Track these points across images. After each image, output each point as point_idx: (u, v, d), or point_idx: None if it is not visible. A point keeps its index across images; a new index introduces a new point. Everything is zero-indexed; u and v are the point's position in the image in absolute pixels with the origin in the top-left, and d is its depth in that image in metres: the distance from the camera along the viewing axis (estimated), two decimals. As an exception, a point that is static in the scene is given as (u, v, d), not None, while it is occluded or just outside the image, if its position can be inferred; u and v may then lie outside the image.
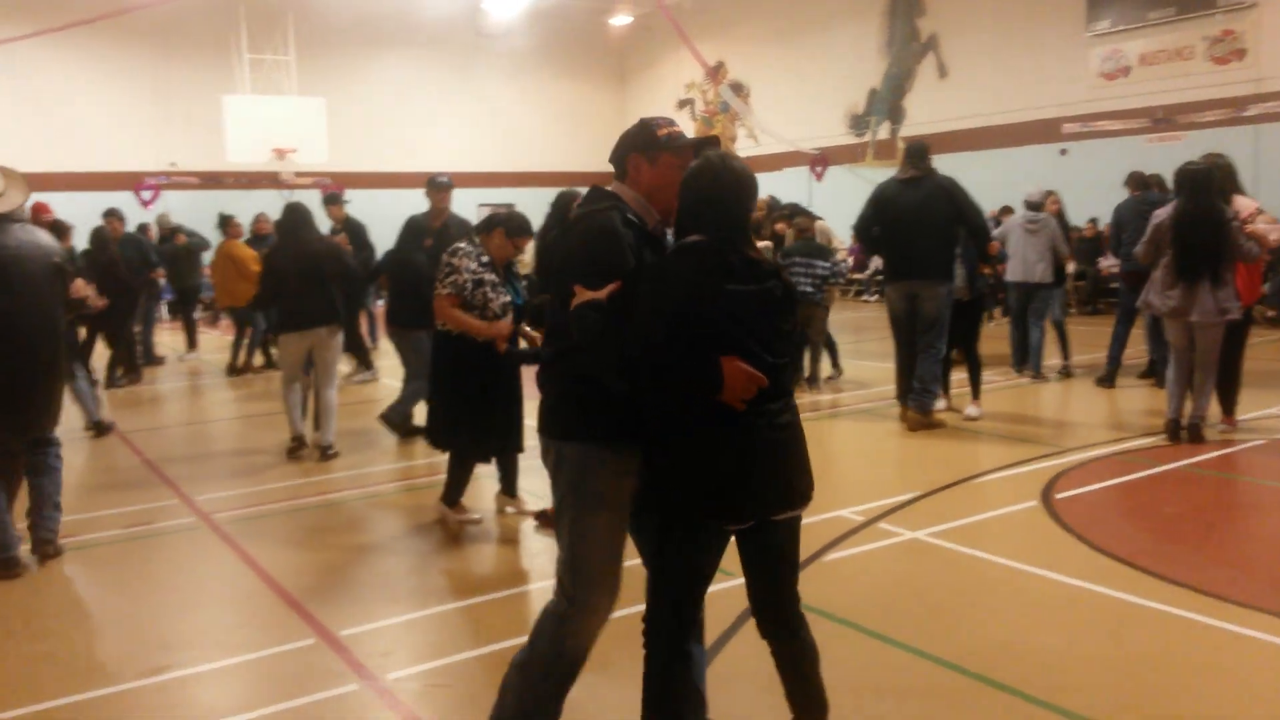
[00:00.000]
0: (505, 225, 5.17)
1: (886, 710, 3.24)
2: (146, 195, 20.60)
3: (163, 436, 8.09)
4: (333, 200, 10.56)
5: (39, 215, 8.31)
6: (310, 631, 3.96)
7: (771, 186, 20.60)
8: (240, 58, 19.56)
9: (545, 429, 2.75)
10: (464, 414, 5.11)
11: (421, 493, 6.05)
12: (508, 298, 5.12)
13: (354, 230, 10.03)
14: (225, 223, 11.50)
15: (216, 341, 14.49)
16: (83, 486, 6.57)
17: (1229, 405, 7.02)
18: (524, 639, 3.75)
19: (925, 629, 3.83)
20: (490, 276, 5.06)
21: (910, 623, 3.91)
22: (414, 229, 7.23)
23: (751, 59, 23.00)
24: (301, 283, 6.65)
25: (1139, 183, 9.18)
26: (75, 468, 7.07)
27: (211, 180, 21.21)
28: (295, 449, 6.99)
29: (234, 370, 11.31)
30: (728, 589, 3.37)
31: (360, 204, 19.35)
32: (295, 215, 6.92)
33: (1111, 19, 16.00)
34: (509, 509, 5.54)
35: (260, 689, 3.53)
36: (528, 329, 5.33)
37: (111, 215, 11.13)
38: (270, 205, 20.64)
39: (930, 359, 7.36)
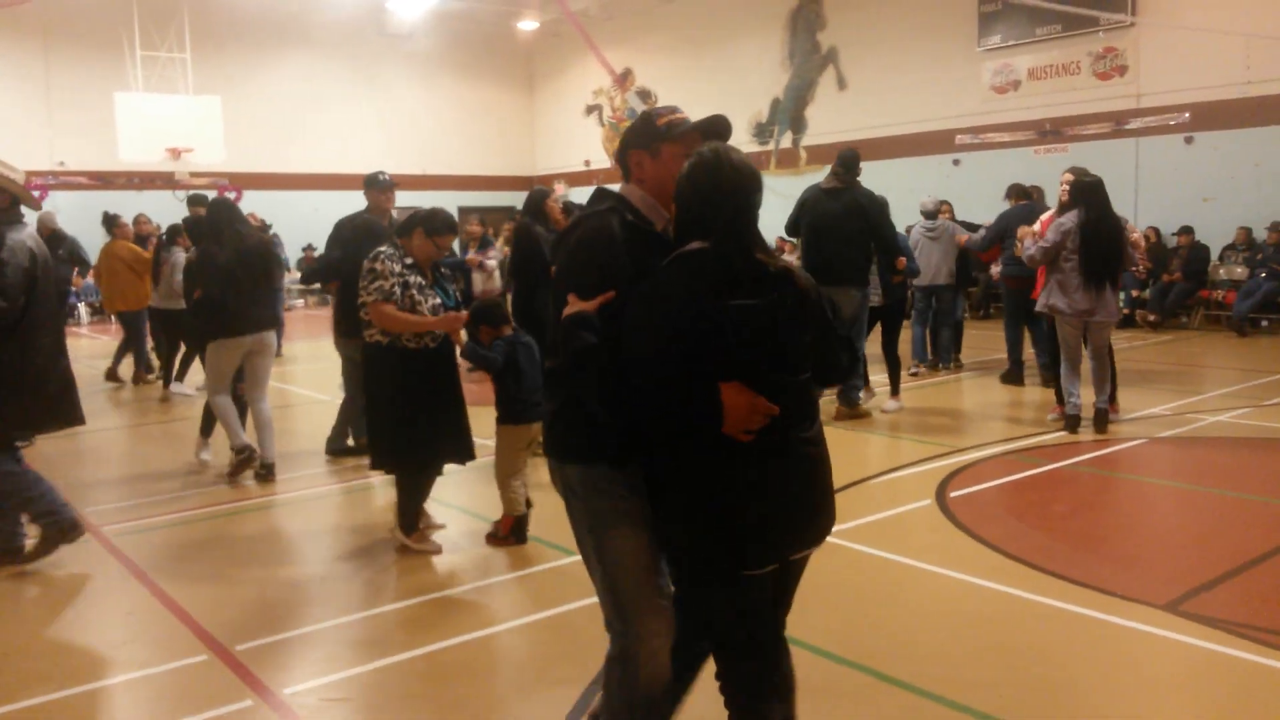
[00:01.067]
0: (425, 224, 4.89)
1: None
2: (35, 195, 19.69)
3: (50, 447, 7.73)
4: (198, 202, 9.92)
5: None
6: (204, 648, 3.84)
7: (678, 193, 20.78)
8: (133, 54, 18.86)
9: (550, 449, 2.55)
10: (409, 430, 4.78)
11: (314, 504, 5.93)
12: (437, 299, 4.89)
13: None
14: (111, 222, 10.87)
15: (107, 346, 13.93)
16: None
17: (1113, 395, 7.50)
18: (425, 649, 3.77)
19: (824, 627, 3.91)
20: (416, 279, 4.81)
21: (809, 621, 3.97)
22: (370, 231, 6.47)
23: (658, 67, 23.18)
24: (247, 283, 6.19)
25: (1020, 193, 9.65)
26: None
27: (102, 180, 20.42)
28: (247, 459, 6.36)
29: (112, 376, 10.90)
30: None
31: (260, 205, 18.92)
32: (227, 209, 6.47)
33: (1002, 34, 16.61)
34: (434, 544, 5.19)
35: (151, 708, 3.41)
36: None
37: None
38: (165, 206, 20.04)
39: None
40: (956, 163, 17.40)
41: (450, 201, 20.64)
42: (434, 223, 4.89)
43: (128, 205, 20.23)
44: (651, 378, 2.21)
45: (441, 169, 24.79)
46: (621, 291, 2.31)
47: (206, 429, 6.93)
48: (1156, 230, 14.44)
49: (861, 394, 8.30)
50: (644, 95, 23.33)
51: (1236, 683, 3.44)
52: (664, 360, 2.21)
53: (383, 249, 4.87)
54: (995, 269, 9.85)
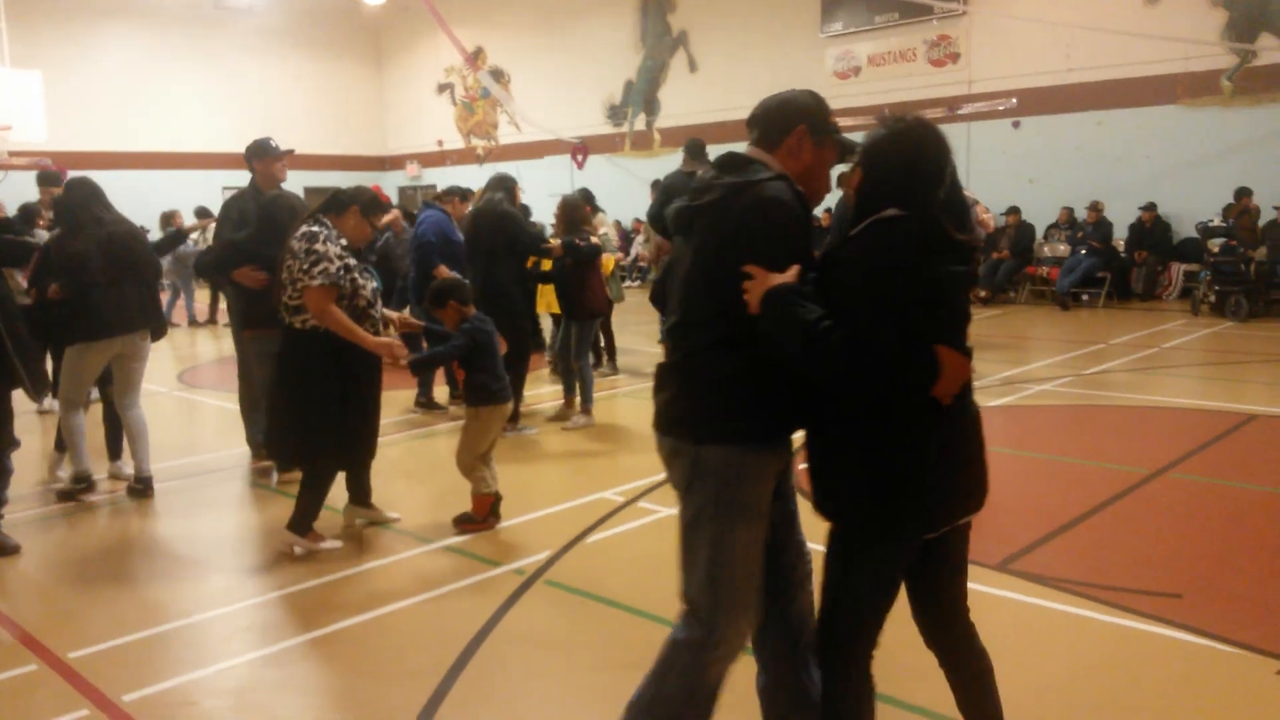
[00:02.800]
0: (359, 202, 4.58)
1: (637, 682, 3.35)
2: None
3: None
4: (50, 181, 9.17)
5: None
6: (33, 657, 3.64)
7: (534, 174, 20.70)
8: (-63, 24, 17.41)
9: (678, 430, 2.41)
10: (323, 422, 4.47)
11: (153, 504, 5.67)
12: (375, 284, 4.65)
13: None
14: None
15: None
16: None
17: None
18: (269, 649, 3.68)
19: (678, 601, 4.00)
20: (353, 261, 4.51)
21: (666, 596, 4.06)
22: (282, 211, 5.75)
23: (511, 46, 22.92)
24: (112, 274, 5.37)
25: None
26: None
27: (-95, 160, 18.79)
28: (84, 489, 5.67)
29: None
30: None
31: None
32: (88, 189, 5.53)
33: (843, 21, 17.16)
34: (360, 520, 5.03)
35: (-26, 724, 3.22)
36: (394, 317, 4.93)
37: None
38: (-22, 189, 18.59)
39: None
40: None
41: (299, 182, 19.89)
42: (368, 201, 4.63)
43: (-64, 187, 18.75)
44: (872, 342, 2.13)
45: (289, 148, 23.84)
46: (806, 263, 2.26)
47: (62, 442, 6.00)
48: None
49: None
50: (497, 75, 23.04)
51: (1064, 634, 3.70)
52: (885, 324, 2.14)
53: (314, 228, 4.47)
54: None
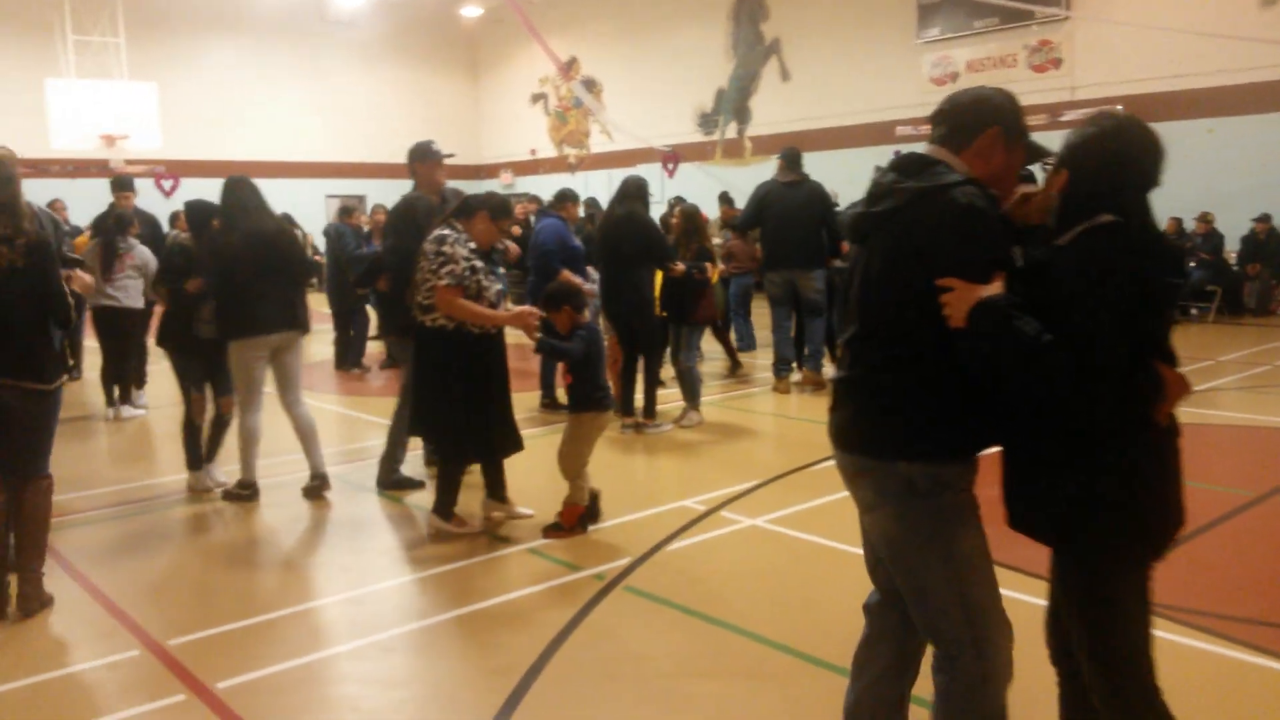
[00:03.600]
0: (489, 208, 4.85)
1: (710, 691, 3.37)
2: (-42, 184, 19.15)
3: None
4: (123, 186, 9.01)
5: None
6: (136, 642, 3.82)
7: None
8: (64, 39, 18.39)
9: (865, 448, 2.29)
10: (458, 415, 4.74)
11: (254, 503, 5.88)
12: (500, 285, 4.86)
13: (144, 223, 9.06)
14: None
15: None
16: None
17: None
18: (357, 642, 3.79)
19: (758, 612, 3.99)
20: (480, 263, 4.75)
21: (744, 606, 4.07)
22: (422, 213, 5.60)
23: (604, 56, 23.15)
24: (263, 271, 5.41)
25: None
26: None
27: (35, 168, 19.86)
28: (249, 497, 5.65)
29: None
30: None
31: (202, 194, 18.49)
32: (246, 188, 5.61)
33: (940, 27, 16.87)
34: (497, 513, 5.14)
35: (83, 704, 3.38)
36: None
37: None
38: (100, 194, 19.56)
39: (816, 330, 8.68)
40: (897, 154, 17.49)
41: (394, 190, 20.45)
42: (497, 207, 4.88)
43: (61, 193, 19.77)
44: (1099, 359, 2.01)
45: (386, 157, 24.46)
46: (1009, 272, 2.14)
47: (195, 459, 5.94)
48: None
49: (829, 368, 8.88)
50: (589, 85, 23.29)
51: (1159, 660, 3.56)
52: (1109, 340, 2.02)
53: (445, 231, 4.74)
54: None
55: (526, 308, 4.86)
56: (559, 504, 5.04)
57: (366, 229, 10.86)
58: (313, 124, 23.62)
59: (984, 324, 2.06)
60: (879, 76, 17.70)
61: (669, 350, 7.85)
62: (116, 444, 7.55)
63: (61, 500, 5.86)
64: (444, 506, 4.97)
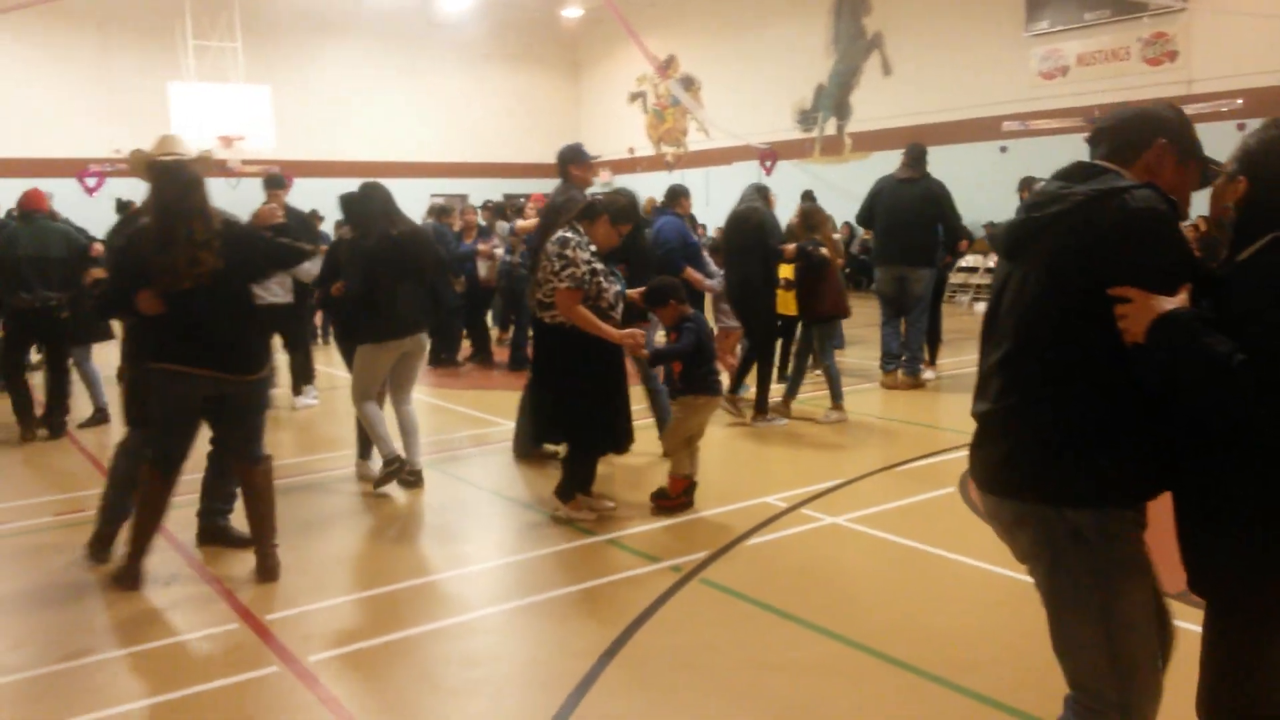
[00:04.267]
0: (610, 211, 4.98)
1: (781, 684, 3.39)
2: (91, 182, 20.30)
3: (107, 432, 8.03)
4: (275, 184, 9.45)
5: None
6: (236, 616, 4.03)
7: (722, 180, 20.84)
8: (185, 44, 19.32)
9: (1025, 493, 2.08)
10: (586, 406, 4.89)
11: (347, 484, 6.10)
12: (619, 287, 5.00)
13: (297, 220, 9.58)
14: (125, 209, 10.03)
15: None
16: (23, 479, 6.56)
17: None
18: (447, 621, 3.92)
19: (832, 609, 3.99)
20: (600, 265, 4.89)
21: (818, 603, 4.07)
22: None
23: (703, 53, 23.17)
24: (398, 276, 5.55)
25: (1033, 184, 10.29)
26: (21, 461, 7.05)
27: (157, 168, 20.90)
28: (396, 470, 5.71)
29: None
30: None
31: (311, 192, 19.23)
32: (380, 194, 5.77)
33: (1050, 20, 16.39)
34: (608, 503, 5.27)
35: (184, 671, 3.59)
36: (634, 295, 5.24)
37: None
38: (218, 193, 20.43)
39: (917, 332, 8.79)
40: (1004, 150, 17.20)
41: (495, 189, 20.85)
42: (618, 210, 5.03)
43: (182, 192, 20.67)
44: None
45: (486, 156, 25.05)
46: (1193, 284, 1.97)
47: (367, 449, 6.15)
48: (1205, 219, 14.20)
49: (928, 371, 9.09)
50: (687, 83, 23.34)
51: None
52: None
53: (568, 234, 4.88)
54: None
55: (631, 330, 4.93)
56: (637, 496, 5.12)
57: (457, 229, 11.11)
58: (416, 124, 24.25)
59: (1168, 339, 1.87)
60: (985, 71, 17.29)
61: (810, 350, 7.84)
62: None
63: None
64: (568, 489, 5.09)
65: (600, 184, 26.44)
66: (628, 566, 4.52)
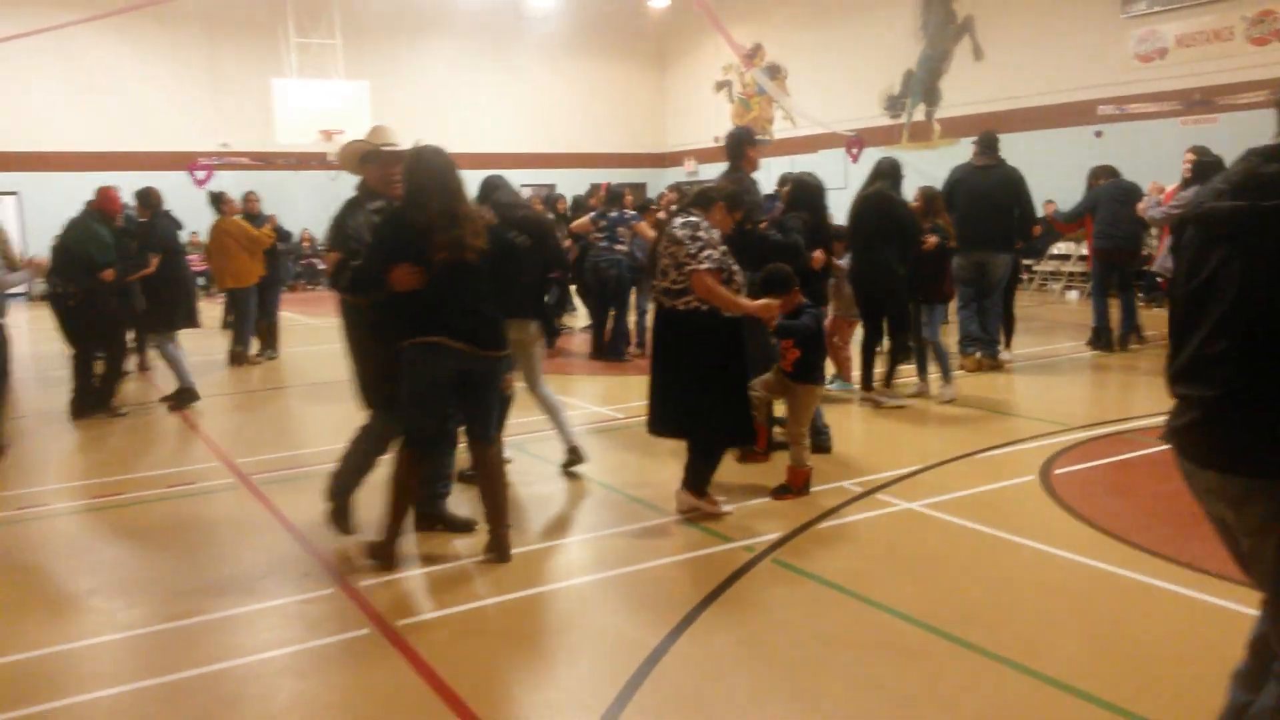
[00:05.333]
0: (725, 198, 5.09)
1: (849, 663, 3.47)
2: (200, 175, 21.22)
3: (203, 405, 8.48)
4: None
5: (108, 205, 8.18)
6: (331, 581, 4.29)
7: (807, 167, 20.67)
8: (288, 42, 20.03)
9: (1271, 468, 2.10)
10: (721, 395, 4.88)
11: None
12: (738, 268, 5.07)
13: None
14: (218, 200, 10.62)
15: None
16: (131, 450, 7.00)
17: None
18: (526, 591, 4.11)
19: (904, 592, 4.05)
20: (724, 248, 4.93)
21: (889, 585, 4.13)
22: (750, 192, 6.27)
23: (789, 41, 23.02)
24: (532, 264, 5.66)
25: (1109, 172, 10.32)
26: (125, 432, 7.51)
27: (263, 161, 21.76)
28: (577, 459, 5.93)
29: (239, 359, 10.58)
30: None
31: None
32: (494, 182, 6.16)
33: (1148, 0, 15.85)
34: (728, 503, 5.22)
35: (283, 633, 3.85)
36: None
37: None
38: (319, 186, 21.18)
39: (995, 315, 8.98)
40: (1099, 134, 16.73)
41: (583, 180, 21.11)
42: (732, 197, 5.16)
43: (285, 185, 21.57)
44: None
45: (575, 148, 25.34)
46: None
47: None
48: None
49: (1005, 352, 9.27)
50: (773, 71, 23.23)
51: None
52: None
53: (694, 218, 4.92)
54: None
55: (767, 300, 4.99)
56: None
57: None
58: (506, 116, 24.66)
59: None
60: (1080, 53, 16.83)
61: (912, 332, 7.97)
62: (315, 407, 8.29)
63: (275, 458, 6.55)
64: (700, 483, 5.08)
65: (686, 174, 26.52)
66: (701, 545, 4.64)
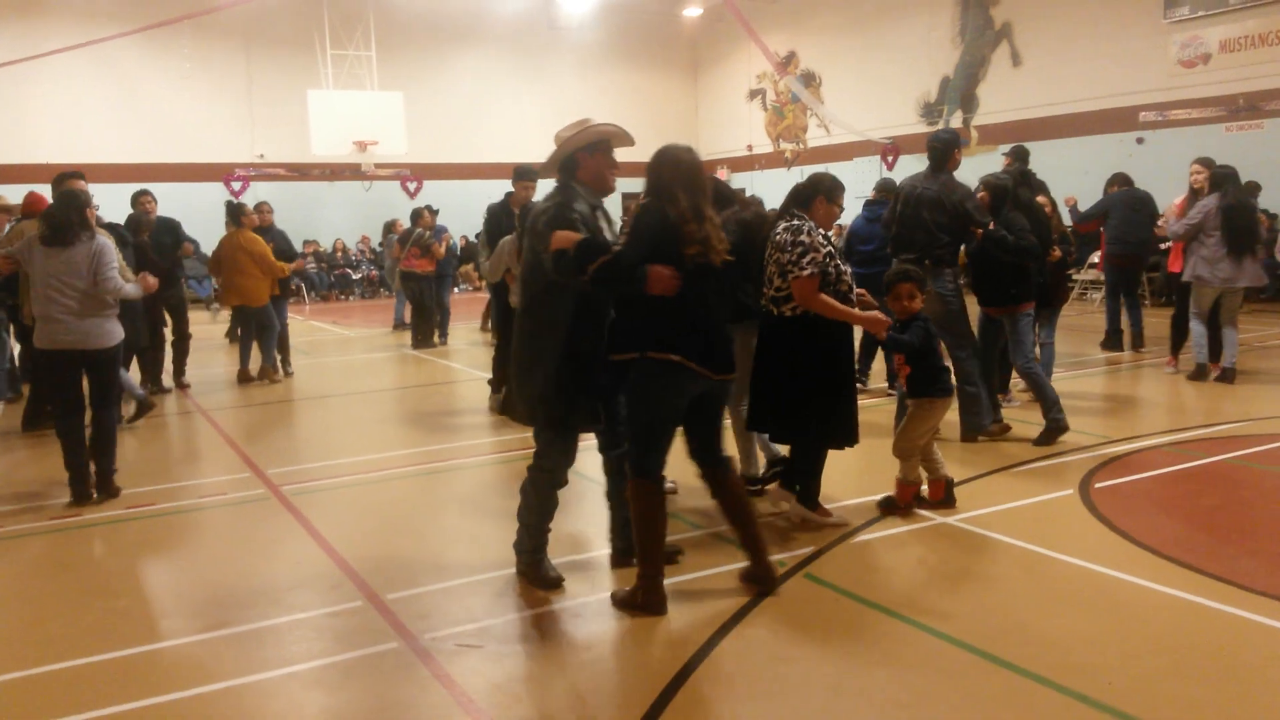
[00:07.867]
0: (822, 190, 4.86)
1: (883, 679, 3.39)
2: (236, 186, 21.48)
3: (236, 416, 8.54)
4: (524, 176, 8.22)
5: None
6: (359, 594, 4.27)
7: (842, 176, 20.51)
8: (323, 54, 20.22)
9: None
10: (828, 402, 4.78)
11: (470, 471, 6.33)
12: (847, 267, 4.90)
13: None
14: (236, 212, 10.06)
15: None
16: (164, 459, 7.05)
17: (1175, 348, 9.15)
18: (558, 605, 4.06)
19: (938, 608, 3.96)
20: (831, 248, 4.75)
21: (922, 601, 4.05)
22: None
23: (824, 48, 22.91)
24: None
25: (1124, 180, 10.50)
26: (152, 440, 7.57)
27: (298, 172, 21.99)
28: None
29: (245, 378, 10.12)
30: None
31: (438, 194, 19.92)
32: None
33: (1190, 4, 15.59)
34: (786, 504, 5.14)
35: (309, 645, 3.83)
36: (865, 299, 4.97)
37: (144, 195, 9.49)
38: (354, 196, 21.37)
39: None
40: (1140, 141, 16.48)
41: (616, 188, 21.10)
42: (829, 188, 4.88)
43: (321, 195, 21.79)
44: None
45: (608, 156, 25.29)
46: None
47: None
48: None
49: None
50: (808, 79, 23.12)
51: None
52: None
53: (796, 222, 4.74)
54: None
55: (876, 314, 4.82)
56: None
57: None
58: (540, 126, 24.65)
59: None
60: (1121, 59, 16.59)
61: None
62: (345, 417, 8.30)
63: (305, 469, 6.56)
64: (809, 497, 5.02)
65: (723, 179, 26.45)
66: (735, 559, 4.57)
